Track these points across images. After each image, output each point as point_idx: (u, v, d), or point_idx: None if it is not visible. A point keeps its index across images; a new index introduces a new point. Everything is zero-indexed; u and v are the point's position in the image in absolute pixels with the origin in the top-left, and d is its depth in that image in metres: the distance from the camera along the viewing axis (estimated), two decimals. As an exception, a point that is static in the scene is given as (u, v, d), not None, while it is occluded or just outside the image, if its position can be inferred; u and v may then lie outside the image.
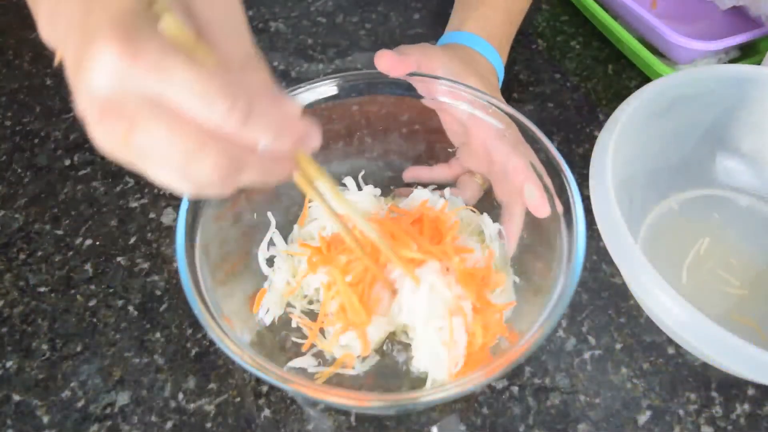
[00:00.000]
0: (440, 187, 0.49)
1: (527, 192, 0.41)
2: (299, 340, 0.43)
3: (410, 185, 0.50)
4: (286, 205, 0.48)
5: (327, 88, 0.44)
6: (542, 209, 0.41)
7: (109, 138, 0.24)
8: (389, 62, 0.43)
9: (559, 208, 0.39)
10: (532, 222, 0.43)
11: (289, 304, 0.44)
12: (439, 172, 0.49)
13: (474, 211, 0.47)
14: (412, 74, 0.44)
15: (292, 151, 0.26)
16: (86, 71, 0.22)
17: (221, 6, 0.25)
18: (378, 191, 0.48)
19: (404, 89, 0.45)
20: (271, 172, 0.26)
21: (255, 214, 0.45)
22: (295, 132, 0.25)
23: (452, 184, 0.49)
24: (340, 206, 0.34)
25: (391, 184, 0.50)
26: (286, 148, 0.26)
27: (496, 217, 0.46)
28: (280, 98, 0.25)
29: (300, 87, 0.44)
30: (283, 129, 0.25)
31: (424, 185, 0.49)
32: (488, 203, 0.48)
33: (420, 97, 0.45)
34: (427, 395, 0.33)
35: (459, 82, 0.44)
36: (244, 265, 0.44)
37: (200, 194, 0.26)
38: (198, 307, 0.34)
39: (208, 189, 0.25)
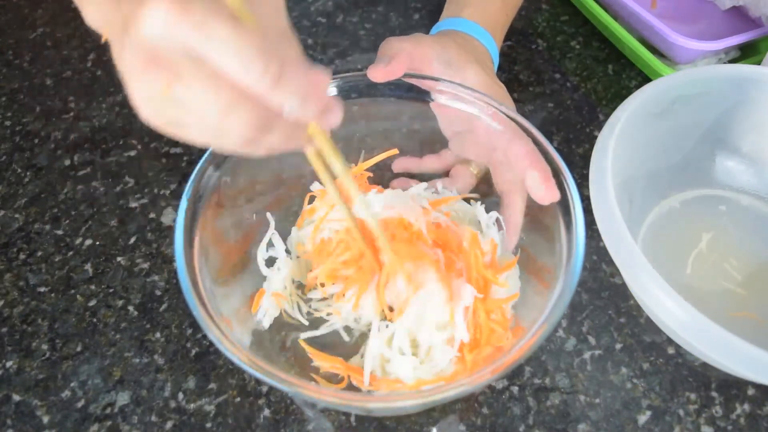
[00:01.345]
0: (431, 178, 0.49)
1: (530, 179, 0.40)
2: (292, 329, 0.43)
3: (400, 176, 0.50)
4: (286, 206, 0.48)
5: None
6: (548, 195, 0.39)
7: (149, 89, 0.26)
8: (381, 74, 0.43)
9: (558, 209, 0.39)
10: (530, 223, 0.43)
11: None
12: (429, 163, 0.49)
13: (468, 202, 0.47)
14: (412, 76, 0.44)
15: (314, 119, 0.28)
16: (136, 24, 0.24)
17: None
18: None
19: (404, 90, 0.45)
20: (293, 137, 0.28)
21: (254, 215, 0.45)
22: (320, 101, 0.27)
23: (442, 174, 0.49)
24: (350, 190, 0.35)
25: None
26: (310, 115, 0.27)
27: (490, 207, 0.46)
28: (310, 69, 0.27)
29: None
30: (309, 96, 0.26)
31: (412, 176, 0.49)
32: (483, 194, 0.48)
33: (419, 98, 0.45)
34: (427, 397, 0.33)
35: (459, 84, 0.44)
36: (243, 265, 0.44)
37: (232, 151, 0.28)
38: (196, 308, 0.34)
39: (237, 146, 0.27)
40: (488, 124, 0.44)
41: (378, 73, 0.43)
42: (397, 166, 0.50)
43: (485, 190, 0.48)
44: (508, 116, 0.42)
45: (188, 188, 0.39)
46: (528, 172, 0.40)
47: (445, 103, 0.45)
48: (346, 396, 0.34)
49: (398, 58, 0.43)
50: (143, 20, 0.24)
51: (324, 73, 0.27)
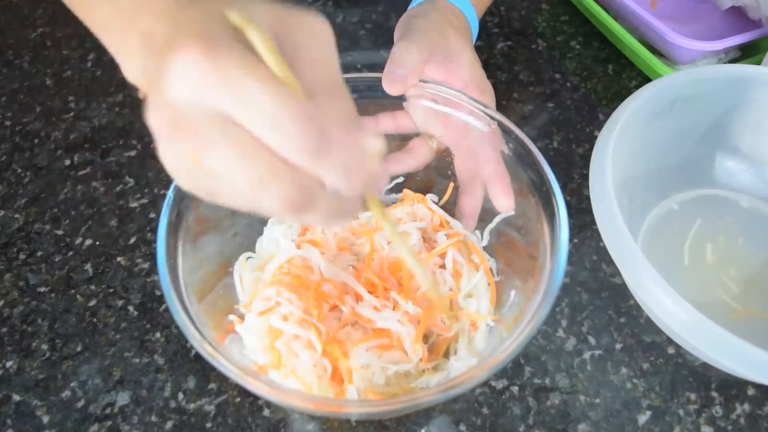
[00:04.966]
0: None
1: (491, 187, 0.43)
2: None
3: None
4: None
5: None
6: (508, 206, 0.43)
7: (178, 157, 0.23)
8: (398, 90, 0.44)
9: (543, 213, 0.39)
10: (516, 223, 0.44)
11: None
12: (384, 123, 0.47)
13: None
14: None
15: (361, 192, 0.24)
16: (163, 78, 0.22)
17: (311, 32, 0.25)
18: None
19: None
20: (338, 213, 0.25)
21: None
22: (366, 173, 0.24)
23: (395, 144, 0.48)
24: (402, 248, 0.33)
25: (391, 186, 0.50)
26: (355, 190, 0.24)
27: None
28: (357, 134, 0.24)
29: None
30: (353, 168, 0.23)
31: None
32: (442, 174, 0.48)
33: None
34: (409, 402, 0.33)
35: (448, 87, 0.44)
36: (226, 271, 0.44)
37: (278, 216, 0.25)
38: (179, 314, 0.34)
39: (279, 214, 0.24)
40: (464, 118, 0.44)
41: (395, 89, 0.44)
42: None
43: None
44: (492, 118, 0.43)
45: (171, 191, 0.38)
46: (491, 180, 0.43)
47: (429, 106, 0.45)
48: (326, 405, 0.34)
49: (413, 76, 0.44)
50: (170, 72, 0.21)
51: (373, 138, 0.24)
